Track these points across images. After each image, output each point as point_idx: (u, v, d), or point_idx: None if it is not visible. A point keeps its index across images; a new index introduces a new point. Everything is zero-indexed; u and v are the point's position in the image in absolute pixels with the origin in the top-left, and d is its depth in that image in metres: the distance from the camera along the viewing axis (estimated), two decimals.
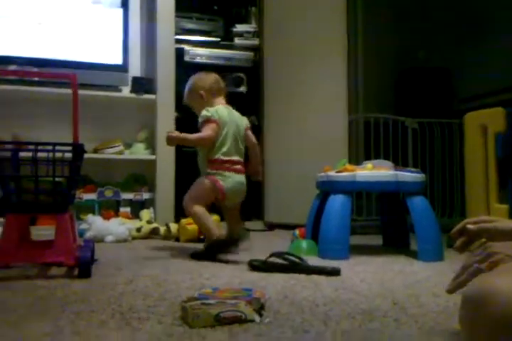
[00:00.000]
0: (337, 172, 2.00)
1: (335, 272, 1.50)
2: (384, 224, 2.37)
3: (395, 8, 3.94)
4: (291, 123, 3.22)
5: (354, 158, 3.21)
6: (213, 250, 1.81)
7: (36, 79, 2.80)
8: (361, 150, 3.54)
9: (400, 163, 3.04)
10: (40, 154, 1.48)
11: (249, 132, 2.11)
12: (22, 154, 1.54)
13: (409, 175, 1.93)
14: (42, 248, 1.50)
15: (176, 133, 1.92)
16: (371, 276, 1.51)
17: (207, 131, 1.94)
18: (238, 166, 2.02)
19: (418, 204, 1.92)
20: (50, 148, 1.47)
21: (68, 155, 1.51)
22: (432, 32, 3.94)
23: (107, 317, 1.03)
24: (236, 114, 2.06)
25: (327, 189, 2.03)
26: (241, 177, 2.02)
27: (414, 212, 1.90)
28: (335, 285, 1.35)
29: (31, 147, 1.48)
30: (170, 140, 1.95)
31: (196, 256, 1.85)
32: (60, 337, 0.90)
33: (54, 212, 1.49)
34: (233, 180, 1.98)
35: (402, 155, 3.22)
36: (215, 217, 2.42)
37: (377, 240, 2.37)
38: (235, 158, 2.01)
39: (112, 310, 1.09)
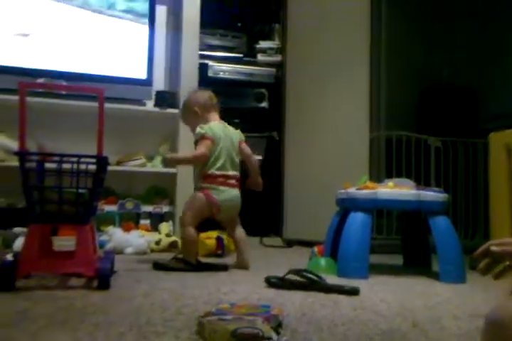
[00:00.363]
0: (357, 189, 1.99)
1: (354, 291, 1.48)
2: (405, 243, 2.33)
3: (420, 24, 3.94)
4: (312, 139, 3.23)
5: (375, 175, 3.18)
6: (178, 269, 1.90)
7: (63, 92, 2.88)
8: (382, 168, 3.50)
9: (422, 182, 3.00)
10: (64, 165, 1.52)
11: (244, 145, 2.13)
12: (47, 165, 1.58)
13: (432, 195, 1.91)
14: (63, 258, 1.52)
15: (172, 155, 1.97)
16: (391, 296, 1.48)
17: (201, 149, 1.98)
18: (233, 181, 2.03)
19: (441, 224, 1.89)
20: (74, 160, 1.50)
21: (92, 167, 1.54)
22: (457, 49, 3.91)
23: (125, 330, 1.03)
24: (231, 128, 2.10)
25: (347, 206, 2.01)
26: (235, 192, 2.04)
27: (436, 232, 1.87)
28: (354, 305, 1.33)
29: (56, 158, 1.52)
30: (167, 162, 2.08)
31: (158, 266, 1.93)
32: None
33: (76, 222, 1.51)
34: (228, 194, 2.00)
35: (425, 174, 3.18)
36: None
37: (397, 260, 2.33)
38: (230, 172, 2.03)
39: (130, 323, 1.09)
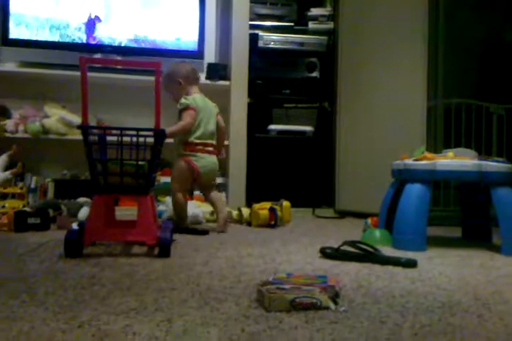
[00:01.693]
0: (415, 160, 1.93)
1: (411, 263, 1.46)
2: (464, 215, 2.26)
3: None
4: (366, 109, 3.14)
5: (432, 146, 3.07)
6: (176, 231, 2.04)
7: (119, 66, 2.94)
8: (440, 138, 3.38)
9: (482, 151, 2.87)
10: (124, 139, 1.56)
11: (219, 117, 2.33)
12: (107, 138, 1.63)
13: (495, 165, 1.82)
14: (126, 227, 1.60)
15: (168, 130, 2.07)
16: (450, 269, 1.45)
17: (186, 119, 2.15)
18: (210, 148, 2.23)
19: (503, 195, 1.81)
20: (134, 133, 1.54)
21: (149, 139, 1.58)
22: None
23: (187, 296, 1.08)
24: (209, 101, 2.28)
25: (404, 177, 1.96)
26: (213, 158, 2.24)
27: (499, 204, 1.79)
28: (411, 277, 1.32)
29: (117, 132, 1.57)
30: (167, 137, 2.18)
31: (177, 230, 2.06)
32: (145, 312, 0.96)
33: (137, 193, 1.57)
34: (206, 160, 2.19)
35: (486, 143, 3.03)
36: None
37: (455, 232, 2.27)
38: (208, 141, 2.22)
39: (192, 290, 1.14)
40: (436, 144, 3.28)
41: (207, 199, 2.34)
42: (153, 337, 0.82)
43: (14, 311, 0.94)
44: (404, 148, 2.42)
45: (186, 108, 2.15)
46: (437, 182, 2.80)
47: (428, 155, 1.92)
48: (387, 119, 3.03)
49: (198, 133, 2.18)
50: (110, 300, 1.03)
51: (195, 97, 2.18)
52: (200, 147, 2.19)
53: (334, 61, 3.38)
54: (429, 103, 3.02)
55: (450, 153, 1.94)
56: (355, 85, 3.21)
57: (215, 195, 2.28)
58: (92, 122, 2.61)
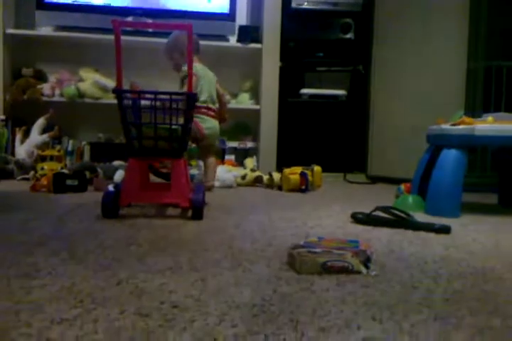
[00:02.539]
0: (452, 125, 1.87)
1: (445, 229, 1.44)
2: (501, 181, 2.20)
3: None
4: (402, 72, 3.03)
5: (470, 110, 2.96)
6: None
7: (150, 29, 2.91)
8: (479, 102, 3.24)
9: None
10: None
11: (218, 85, 2.42)
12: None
13: None
14: (160, 190, 1.63)
15: None
16: (484, 236, 1.43)
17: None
18: (212, 113, 2.31)
19: None
20: (167, 97, 1.54)
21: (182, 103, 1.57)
22: None
23: (220, 257, 1.11)
24: (209, 71, 2.36)
25: (440, 143, 1.91)
26: (216, 123, 2.33)
27: None
28: (445, 243, 1.31)
29: (150, 96, 1.57)
30: None
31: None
32: (180, 272, 0.99)
33: (171, 157, 1.59)
34: (210, 123, 2.29)
35: None
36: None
37: (491, 199, 2.22)
38: (211, 105, 2.31)
39: (224, 251, 1.16)
40: (475, 108, 3.15)
41: (203, 160, 2.42)
42: (189, 295, 0.84)
43: (55, 268, 0.98)
44: (441, 112, 2.34)
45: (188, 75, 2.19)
46: (474, 147, 2.71)
47: (466, 119, 1.85)
48: (425, 82, 2.92)
49: (203, 97, 2.26)
50: (147, 260, 1.07)
51: (196, 66, 2.21)
52: (205, 110, 2.27)
53: (370, 21, 3.25)
54: (469, 65, 2.89)
55: (490, 117, 1.87)
56: (391, 47, 3.09)
57: (210, 161, 2.35)
58: (126, 86, 2.62)
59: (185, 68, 2.15)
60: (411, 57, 2.98)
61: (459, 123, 1.85)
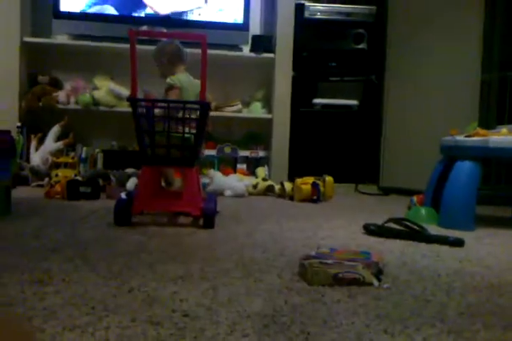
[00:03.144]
0: (466, 136, 1.86)
1: (458, 243, 1.43)
2: None
3: None
4: (415, 82, 3.03)
5: (484, 121, 2.94)
6: None
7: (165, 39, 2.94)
8: (493, 114, 3.22)
9: None
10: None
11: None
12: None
13: None
14: (172, 198, 1.64)
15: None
16: (499, 250, 1.41)
17: (171, 97, 2.00)
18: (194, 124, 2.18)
19: None
20: (180, 106, 1.55)
21: (194, 112, 1.59)
22: None
23: (231, 266, 1.11)
24: (194, 80, 2.13)
25: (454, 154, 1.90)
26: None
27: None
28: (458, 257, 1.29)
29: (163, 104, 1.58)
30: None
31: None
32: (192, 280, 0.99)
33: (183, 165, 1.60)
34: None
35: None
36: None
37: (505, 212, 2.19)
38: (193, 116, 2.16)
39: (235, 260, 1.16)
40: (489, 120, 3.13)
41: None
42: (200, 304, 0.84)
43: (69, 275, 0.99)
44: (455, 123, 2.33)
45: (170, 88, 2.07)
46: (488, 159, 2.69)
47: (481, 131, 1.84)
48: (438, 93, 2.91)
49: None
50: (158, 267, 1.07)
51: (179, 77, 2.08)
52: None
53: (383, 32, 3.26)
54: (483, 76, 2.88)
55: (504, 129, 1.86)
56: (405, 57, 3.09)
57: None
58: (139, 95, 2.65)
59: (168, 80, 2.07)
60: (424, 67, 2.98)
61: (473, 135, 1.84)
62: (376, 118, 3.33)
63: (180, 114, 1.57)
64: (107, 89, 2.98)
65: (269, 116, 3.20)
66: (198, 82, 2.23)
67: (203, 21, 3.12)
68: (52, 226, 1.49)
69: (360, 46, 3.38)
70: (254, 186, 2.63)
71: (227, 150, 3.04)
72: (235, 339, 0.70)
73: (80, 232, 1.43)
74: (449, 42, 2.89)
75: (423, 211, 1.91)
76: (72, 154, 2.91)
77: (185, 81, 2.13)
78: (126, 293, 0.89)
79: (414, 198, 2.21)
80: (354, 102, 3.32)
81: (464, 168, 1.78)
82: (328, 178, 2.56)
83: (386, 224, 1.57)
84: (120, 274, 1.01)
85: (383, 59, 3.25)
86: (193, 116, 1.61)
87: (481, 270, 1.16)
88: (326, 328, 0.75)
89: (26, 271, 1.00)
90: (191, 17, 3.14)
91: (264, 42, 3.18)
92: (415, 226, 1.53)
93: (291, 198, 2.50)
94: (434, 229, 1.65)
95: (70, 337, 0.69)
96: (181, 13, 3.13)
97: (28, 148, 2.83)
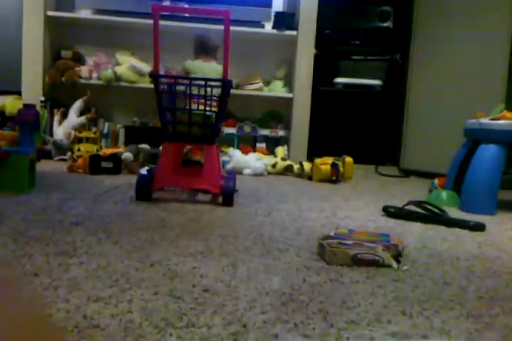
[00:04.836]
0: (492, 119, 1.81)
1: (479, 227, 1.41)
2: None
3: None
4: (441, 63, 2.95)
5: (511, 104, 2.86)
6: None
7: (187, 14, 2.91)
8: None
9: None
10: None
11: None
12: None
13: None
14: (192, 175, 1.65)
15: None
16: None
17: None
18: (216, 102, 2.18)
19: None
20: (202, 83, 1.55)
21: (216, 90, 1.58)
22: None
23: (250, 244, 1.12)
24: (211, 65, 1.97)
25: (479, 137, 1.86)
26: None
27: None
28: (479, 241, 1.28)
29: (186, 81, 1.58)
30: None
31: None
32: (211, 256, 1.00)
33: (204, 142, 1.60)
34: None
35: None
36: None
37: None
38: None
39: (254, 238, 1.17)
40: None
41: None
42: (219, 280, 0.86)
43: (92, 247, 1.02)
44: (480, 105, 2.28)
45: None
46: None
47: (507, 114, 1.80)
48: (465, 74, 2.83)
49: None
50: (179, 243, 1.09)
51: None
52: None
53: (410, 10, 3.16)
54: (511, 58, 2.78)
55: None
56: (432, 36, 3.00)
57: None
58: (161, 71, 2.64)
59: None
60: (451, 47, 2.89)
61: (499, 118, 1.79)
62: (399, 99, 3.27)
63: (202, 92, 1.56)
64: (128, 65, 2.97)
65: (290, 95, 3.17)
66: (215, 66, 2.08)
67: None
68: (75, 200, 1.52)
69: (386, 24, 3.30)
70: (273, 165, 2.62)
71: (247, 128, 3.03)
72: (254, 315, 0.72)
73: (102, 206, 1.46)
74: (477, 22, 2.79)
75: (444, 194, 1.89)
76: (94, 129, 2.94)
77: (197, 67, 2.02)
78: (148, 267, 0.91)
79: (436, 181, 2.19)
80: (377, 82, 3.26)
81: (488, 152, 1.75)
82: (348, 159, 2.54)
83: (406, 207, 1.56)
84: (142, 248, 1.03)
85: (409, 38, 3.16)
86: (215, 94, 1.60)
87: (501, 255, 1.15)
88: (344, 308, 0.76)
89: (51, 243, 1.03)
90: None
91: (286, 20, 3.12)
92: (436, 210, 1.52)
93: (310, 178, 2.50)
94: (454, 213, 1.64)
95: (94, 308, 0.71)
96: None
97: (52, 123, 2.87)
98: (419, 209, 1.54)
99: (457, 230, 1.40)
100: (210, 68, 2.19)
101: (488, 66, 2.75)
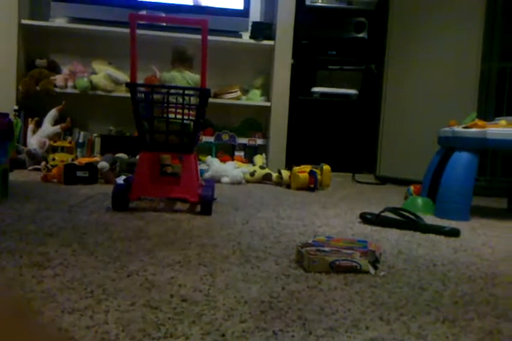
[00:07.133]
0: (464, 127, 1.86)
1: (454, 233, 1.44)
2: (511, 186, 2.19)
3: None
4: (415, 72, 3.02)
5: (483, 113, 2.94)
6: None
7: (164, 24, 2.91)
8: (492, 105, 3.22)
9: None
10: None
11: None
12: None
13: None
14: (169, 184, 1.64)
15: None
16: (494, 240, 1.42)
17: None
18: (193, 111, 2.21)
19: None
20: (180, 92, 1.54)
21: (194, 99, 1.58)
22: None
23: (229, 253, 1.11)
24: (186, 74, 2.04)
25: (452, 145, 1.90)
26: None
27: None
28: (454, 247, 1.30)
29: (163, 90, 1.57)
30: None
31: None
32: (189, 265, 0.99)
33: (182, 152, 1.59)
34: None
35: None
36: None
37: (500, 203, 2.21)
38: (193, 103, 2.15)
39: (233, 247, 1.17)
40: (487, 111, 3.13)
41: None
42: (198, 289, 0.85)
43: (67, 259, 0.99)
44: (453, 114, 2.33)
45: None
46: (485, 150, 2.70)
47: (479, 122, 1.84)
48: (437, 83, 2.90)
49: None
50: (156, 253, 1.07)
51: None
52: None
53: (384, 21, 3.23)
54: (483, 66, 2.87)
55: (502, 120, 1.86)
56: (405, 47, 3.08)
57: None
58: (140, 80, 2.63)
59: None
60: (424, 57, 2.96)
61: (471, 126, 1.84)
62: (375, 107, 3.33)
63: (179, 100, 1.56)
64: (104, 74, 2.95)
65: (268, 103, 3.19)
66: (191, 75, 2.10)
67: (203, 7, 3.09)
68: (50, 211, 1.49)
69: (361, 35, 3.36)
70: (252, 174, 2.63)
71: (225, 137, 3.03)
72: (232, 324, 0.71)
73: (78, 217, 1.43)
74: (449, 32, 2.87)
75: (419, 201, 1.92)
76: (69, 138, 2.89)
77: (173, 76, 2.07)
78: (125, 278, 0.89)
79: (411, 188, 2.22)
80: (353, 91, 3.32)
81: (462, 159, 1.79)
82: (326, 167, 2.56)
83: (382, 214, 1.58)
84: (118, 259, 1.01)
85: (383, 48, 3.23)
86: (193, 103, 1.60)
87: (476, 260, 1.17)
88: (323, 315, 0.76)
89: (24, 254, 1.00)
90: (191, 2, 3.10)
91: (264, 29, 3.16)
92: (411, 216, 1.54)
93: (289, 186, 2.51)
94: (430, 219, 1.67)
95: (69, 320, 0.69)
96: None
97: (25, 132, 2.81)
98: (395, 216, 1.56)
99: (433, 236, 1.42)
100: (186, 77, 2.21)
101: (462, 75, 2.82)
